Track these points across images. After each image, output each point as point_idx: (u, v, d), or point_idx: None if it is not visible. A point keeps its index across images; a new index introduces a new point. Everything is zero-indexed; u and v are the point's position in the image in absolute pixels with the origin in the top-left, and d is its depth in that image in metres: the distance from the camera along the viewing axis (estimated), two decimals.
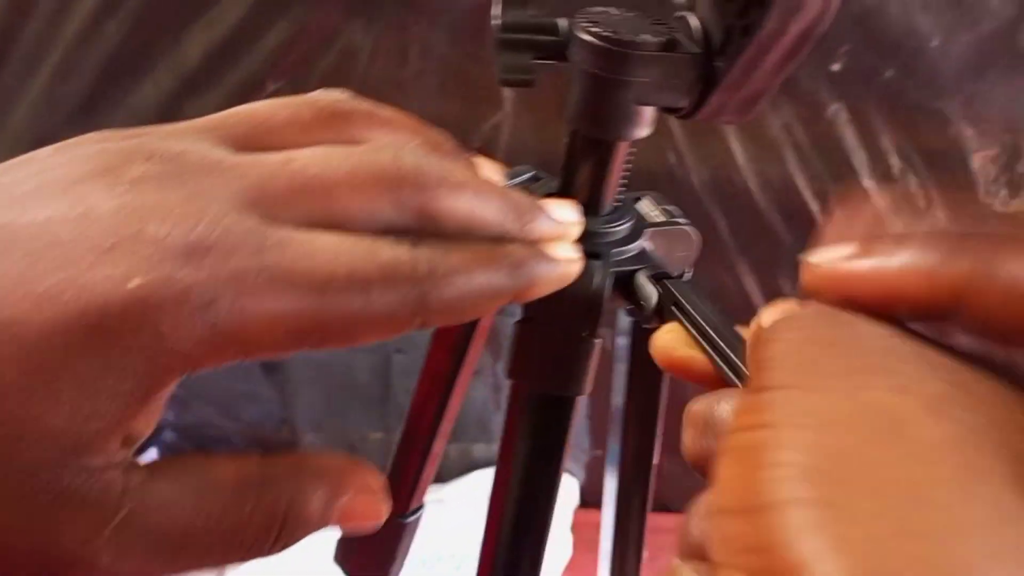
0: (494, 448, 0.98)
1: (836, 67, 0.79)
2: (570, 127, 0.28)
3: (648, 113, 0.27)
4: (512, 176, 0.31)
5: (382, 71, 0.85)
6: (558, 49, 0.28)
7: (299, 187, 0.22)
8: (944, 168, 0.81)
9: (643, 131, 0.28)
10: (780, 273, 0.87)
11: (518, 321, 0.27)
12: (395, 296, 0.22)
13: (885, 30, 0.77)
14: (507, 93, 0.86)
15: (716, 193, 0.82)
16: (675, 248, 0.31)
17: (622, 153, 0.28)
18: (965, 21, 0.77)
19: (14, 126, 0.87)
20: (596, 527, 0.43)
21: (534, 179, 0.31)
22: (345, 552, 0.46)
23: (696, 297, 0.26)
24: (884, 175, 0.82)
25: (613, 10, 0.28)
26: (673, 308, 0.26)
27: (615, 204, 0.30)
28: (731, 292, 0.87)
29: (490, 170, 0.29)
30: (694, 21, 0.28)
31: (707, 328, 0.25)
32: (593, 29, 0.26)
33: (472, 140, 0.87)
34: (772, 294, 0.86)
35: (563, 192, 0.30)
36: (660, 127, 0.29)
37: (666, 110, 0.28)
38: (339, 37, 0.83)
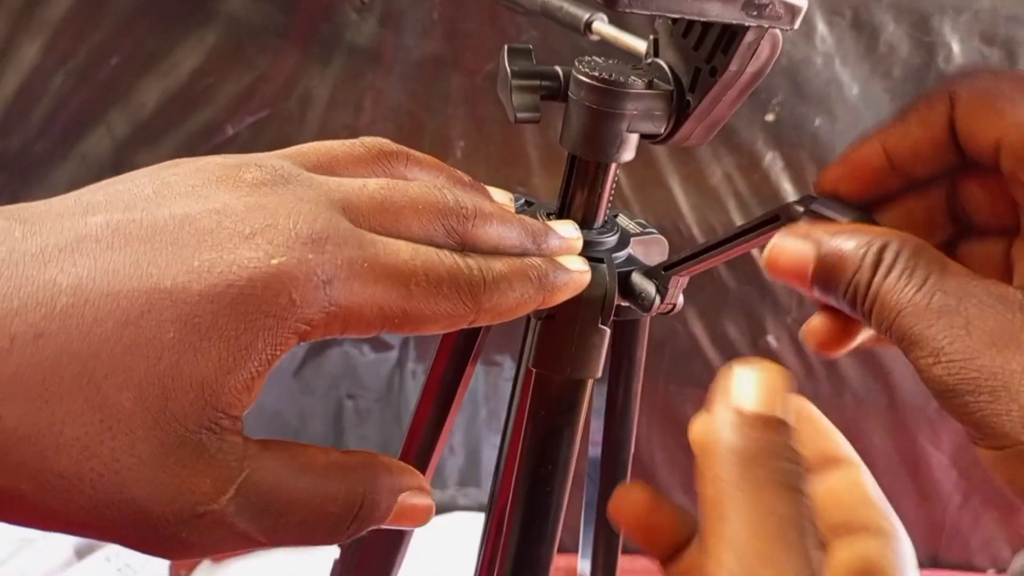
0: (470, 491, 1.01)
1: (770, 118, 0.87)
2: (570, 152, 0.34)
3: (634, 139, 0.33)
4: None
5: (338, 119, 0.89)
6: (558, 90, 0.34)
7: (377, 204, 0.27)
8: None
9: (629, 155, 0.34)
10: (725, 317, 0.94)
11: (542, 318, 0.33)
12: (458, 295, 0.27)
13: (812, 80, 0.86)
14: (459, 142, 0.91)
15: None
16: (652, 252, 0.37)
17: (612, 174, 0.34)
18: (879, 70, 0.87)
19: None
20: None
21: (527, 203, 0.37)
22: (344, 569, 0.48)
23: None
24: None
25: (599, 59, 0.34)
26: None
27: (604, 219, 0.36)
28: (680, 337, 0.94)
29: (501, 196, 0.35)
30: (664, 65, 0.34)
31: None
32: (593, 73, 0.32)
33: None
34: (719, 338, 0.92)
35: (563, 211, 0.35)
36: None
37: (646, 137, 0.34)
38: (297, 85, 0.88)
